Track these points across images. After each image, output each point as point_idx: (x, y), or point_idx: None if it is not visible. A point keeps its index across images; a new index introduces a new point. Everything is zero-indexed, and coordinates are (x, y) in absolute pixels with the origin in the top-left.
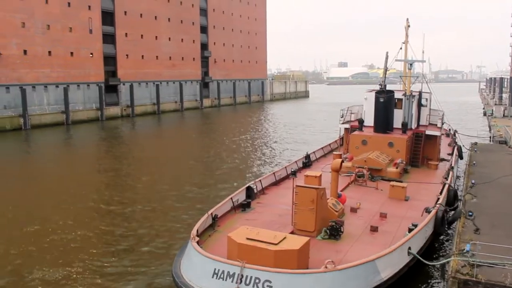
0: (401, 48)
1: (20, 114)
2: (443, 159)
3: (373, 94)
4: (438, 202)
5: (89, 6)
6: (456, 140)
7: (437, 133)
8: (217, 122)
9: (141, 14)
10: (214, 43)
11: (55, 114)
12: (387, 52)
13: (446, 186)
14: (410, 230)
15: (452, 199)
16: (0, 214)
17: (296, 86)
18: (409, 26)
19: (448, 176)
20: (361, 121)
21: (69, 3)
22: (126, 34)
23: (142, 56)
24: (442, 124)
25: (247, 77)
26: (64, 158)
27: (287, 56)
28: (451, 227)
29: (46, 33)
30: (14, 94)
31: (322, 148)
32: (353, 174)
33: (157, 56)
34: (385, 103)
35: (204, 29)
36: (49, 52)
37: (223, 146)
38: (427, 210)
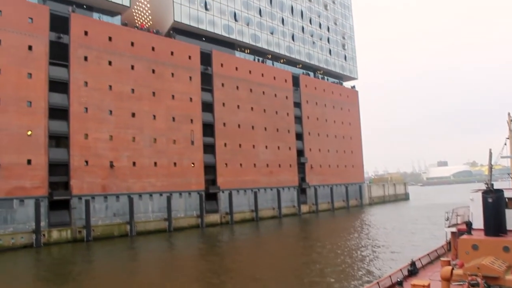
0: (505, 144)
1: (127, 221)
2: None
3: (479, 194)
4: None
5: (191, 120)
6: None
7: None
8: (315, 229)
9: (239, 125)
10: (310, 149)
11: (158, 221)
12: (490, 149)
13: None
14: None
15: None
16: None
17: (395, 189)
18: (511, 120)
19: None
20: (469, 224)
21: (173, 118)
22: (225, 144)
23: (241, 164)
24: None
25: (344, 182)
26: (168, 266)
27: (383, 157)
28: None
29: (152, 145)
30: (122, 202)
31: (428, 254)
32: (466, 283)
33: (254, 164)
34: (495, 203)
35: (299, 136)
36: (155, 163)
37: (322, 252)
38: None
